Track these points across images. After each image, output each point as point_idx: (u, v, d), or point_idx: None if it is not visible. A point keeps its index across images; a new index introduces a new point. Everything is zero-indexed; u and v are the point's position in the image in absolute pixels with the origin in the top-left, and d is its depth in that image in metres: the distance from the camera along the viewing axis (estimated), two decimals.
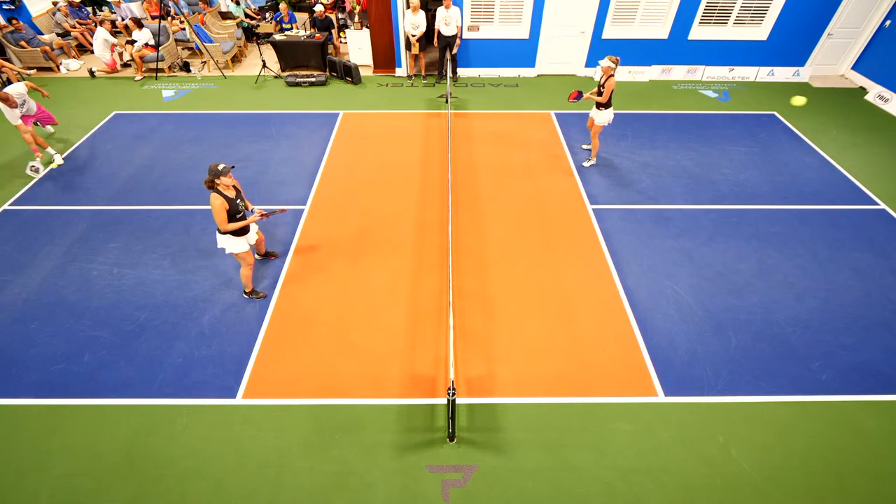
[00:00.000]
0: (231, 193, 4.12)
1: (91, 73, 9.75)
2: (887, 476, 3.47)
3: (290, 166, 6.86)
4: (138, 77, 9.63)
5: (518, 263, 5.23)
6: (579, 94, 6.48)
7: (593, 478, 3.45)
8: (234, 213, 4.15)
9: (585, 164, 6.88)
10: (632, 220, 5.86)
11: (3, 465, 3.51)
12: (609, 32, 9.22)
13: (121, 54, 10.02)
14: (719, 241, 5.50)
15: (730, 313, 4.67)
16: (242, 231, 4.34)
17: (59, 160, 6.89)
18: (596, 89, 6.25)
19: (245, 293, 4.80)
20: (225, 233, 4.19)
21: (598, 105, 6.23)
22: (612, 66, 5.90)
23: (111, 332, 4.46)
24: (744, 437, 3.69)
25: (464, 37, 9.19)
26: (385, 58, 9.73)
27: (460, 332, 4.48)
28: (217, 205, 4.00)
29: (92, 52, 10.29)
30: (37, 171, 6.68)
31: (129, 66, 10.13)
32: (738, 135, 7.66)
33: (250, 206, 4.58)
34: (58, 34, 10.63)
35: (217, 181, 4.01)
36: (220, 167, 3.98)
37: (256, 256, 5.25)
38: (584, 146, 7.30)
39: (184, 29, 10.42)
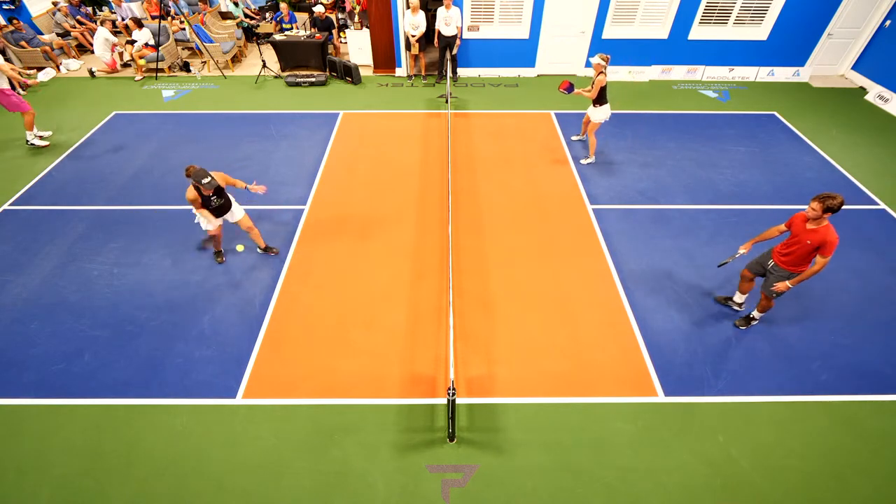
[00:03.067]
0: (208, 192, 4.40)
1: (91, 73, 9.74)
2: (887, 476, 3.47)
3: (290, 166, 6.87)
4: (138, 77, 9.63)
5: (518, 263, 5.23)
6: (570, 86, 6.47)
7: (593, 478, 3.45)
8: (205, 204, 4.51)
9: (583, 161, 6.89)
10: (632, 220, 5.86)
11: (3, 464, 3.51)
12: (609, 32, 9.22)
13: (121, 54, 10.01)
14: (719, 241, 5.49)
15: (730, 313, 4.66)
16: (216, 214, 4.69)
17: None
18: (590, 86, 6.35)
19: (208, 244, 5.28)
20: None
21: (593, 102, 6.35)
22: (602, 63, 6.01)
23: (111, 332, 4.46)
24: (744, 437, 3.69)
25: (464, 37, 9.18)
26: (385, 58, 9.73)
27: (460, 332, 4.48)
28: (192, 196, 4.37)
29: (92, 51, 10.28)
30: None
31: (130, 66, 10.13)
32: (738, 135, 7.66)
33: (242, 185, 4.77)
34: (58, 34, 10.62)
35: (196, 184, 4.28)
36: (204, 181, 4.21)
37: (258, 251, 5.31)
38: (574, 137, 7.38)
39: (184, 29, 10.42)
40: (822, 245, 3.60)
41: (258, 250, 5.31)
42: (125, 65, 10.14)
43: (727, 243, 5.46)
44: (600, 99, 6.24)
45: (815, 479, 3.44)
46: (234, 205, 4.87)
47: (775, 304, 4.34)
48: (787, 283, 3.90)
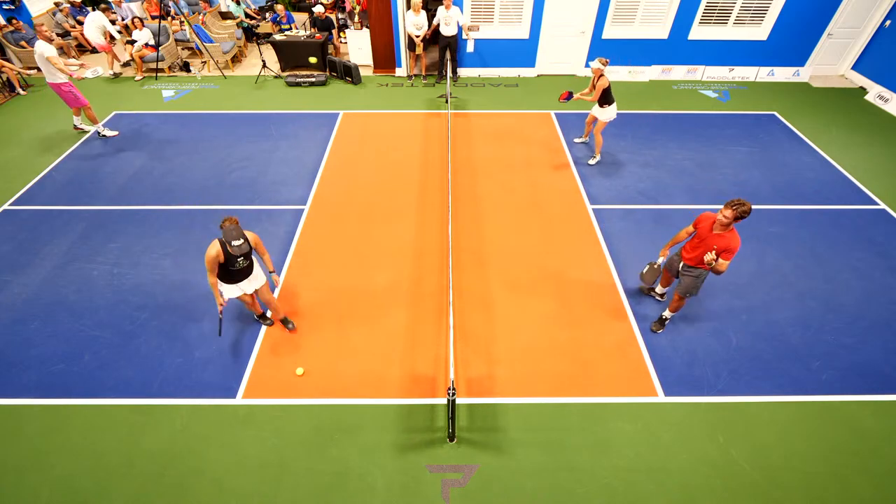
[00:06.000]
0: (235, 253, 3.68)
1: (115, 75, 9.72)
2: (887, 476, 3.47)
3: (290, 166, 6.86)
4: (138, 77, 9.63)
5: (518, 263, 5.23)
6: (569, 95, 6.60)
7: (593, 478, 3.45)
8: (227, 265, 3.76)
9: (591, 161, 6.90)
10: (632, 220, 5.86)
11: (3, 465, 3.51)
12: (609, 32, 9.22)
13: (112, 38, 9.88)
14: None
15: (730, 313, 4.67)
16: (231, 280, 3.91)
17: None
18: (588, 89, 6.43)
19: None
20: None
21: (601, 103, 6.35)
22: (601, 66, 6.08)
23: (111, 332, 4.46)
24: (744, 437, 3.69)
25: (464, 37, 9.18)
26: (385, 58, 9.73)
27: (460, 332, 4.48)
28: (212, 255, 3.62)
29: (91, 51, 10.23)
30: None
31: (128, 63, 10.12)
32: (738, 135, 7.66)
33: (271, 266, 4.10)
34: (58, 34, 10.61)
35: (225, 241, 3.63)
36: (235, 244, 3.50)
37: (261, 319, 4.59)
38: (577, 139, 7.31)
39: (184, 29, 10.42)
40: (727, 250, 3.67)
41: (260, 318, 4.58)
42: (126, 64, 10.12)
43: None
44: (606, 99, 6.27)
45: (816, 480, 3.44)
46: (257, 268, 4.08)
47: (685, 303, 4.47)
48: (715, 257, 3.67)
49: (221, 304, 3.90)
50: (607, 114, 6.42)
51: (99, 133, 7.55)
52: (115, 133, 7.51)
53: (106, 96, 8.92)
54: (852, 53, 9.37)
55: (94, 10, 10.23)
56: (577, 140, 7.39)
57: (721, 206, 3.67)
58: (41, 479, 3.43)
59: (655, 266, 4.38)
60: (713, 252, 3.68)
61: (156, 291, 4.87)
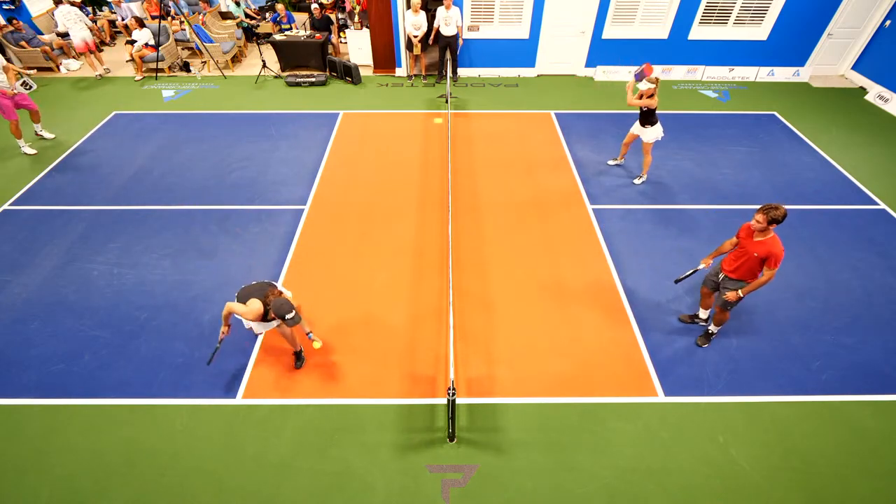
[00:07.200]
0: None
1: (99, 76, 9.68)
2: (887, 476, 3.47)
3: (290, 166, 6.86)
4: (138, 77, 9.63)
5: (518, 263, 5.23)
6: (640, 75, 5.83)
7: (593, 478, 3.45)
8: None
9: (636, 181, 6.51)
10: (632, 220, 5.86)
11: (3, 465, 3.51)
12: (609, 32, 9.22)
13: (91, 28, 9.66)
14: (719, 241, 5.46)
15: (730, 313, 4.66)
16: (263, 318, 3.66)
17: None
18: (637, 95, 5.93)
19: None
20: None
21: (644, 123, 6.00)
22: (654, 85, 5.66)
23: (111, 332, 4.46)
24: (744, 437, 3.69)
25: (464, 37, 9.18)
26: (385, 58, 9.73)
27: (460, 332, 4.48)
28: (254, 313, 3.49)
29: (88, 52, 10.20)
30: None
31: (110, 46, 9.98)
32: (738, 135, 7.66)
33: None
34: (58, 34, 10.61)
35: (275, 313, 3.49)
36: (288, 317, 3.42)
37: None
38: (610, 162, 6.92)
39: (184, 29, 10.42)
40: (769, 257, 3.58)
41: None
42: (118, 51, 10.08)
43: None
44: (650, 119, 5.95)
45: (816, 480, 3.44)
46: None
47: (730, 315, 4.29)
48: (739, 292, 3.82)
49: (224, 334, 3.78)
50: (653, 133, 6.05)
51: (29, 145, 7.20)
52: (34, 152, 7.10)
53: (106, 96, 8.92)
54: (852, 53, 9.38)
55: (97, 16, 10.17)
56: (610, 162, 6.91)
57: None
58: (41, 479, 3.43)
59: (697, 270, 4.18)
60: (739, 292, 3.80)
61: (156, 291, 4.87)
